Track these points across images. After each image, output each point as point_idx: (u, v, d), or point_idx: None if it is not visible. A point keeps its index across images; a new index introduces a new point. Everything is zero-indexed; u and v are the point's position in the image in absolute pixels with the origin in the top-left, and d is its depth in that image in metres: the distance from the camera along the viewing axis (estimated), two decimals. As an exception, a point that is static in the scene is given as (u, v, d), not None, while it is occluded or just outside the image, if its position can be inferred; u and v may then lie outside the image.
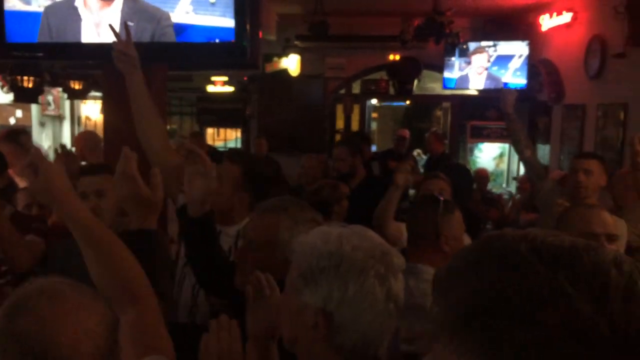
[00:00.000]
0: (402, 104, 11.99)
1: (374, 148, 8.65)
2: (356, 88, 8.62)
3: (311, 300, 1.11)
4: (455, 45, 5.61)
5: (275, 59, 8.13)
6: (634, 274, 0.53)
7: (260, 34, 2.77)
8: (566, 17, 6.15)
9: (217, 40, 2.26)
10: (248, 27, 2.29)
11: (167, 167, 1.94)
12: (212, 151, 6.41)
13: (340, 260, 1.11)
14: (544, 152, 7.14)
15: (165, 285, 1.88)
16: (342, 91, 8.58)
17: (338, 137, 8.31)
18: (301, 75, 7.98)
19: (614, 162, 5.39)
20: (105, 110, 2.91)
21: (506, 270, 0.54)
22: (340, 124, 8.71)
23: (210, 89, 8.74)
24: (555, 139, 6.69)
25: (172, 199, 2.22)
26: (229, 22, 2.25)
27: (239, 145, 9.26)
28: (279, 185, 3.57)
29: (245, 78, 8.51)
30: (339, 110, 8.61)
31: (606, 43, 5.42)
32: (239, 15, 2.28)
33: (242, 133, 9.00)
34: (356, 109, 8.51)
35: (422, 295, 1.84)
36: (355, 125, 8.63)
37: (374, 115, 13.88)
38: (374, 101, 9.59)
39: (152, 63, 2.47)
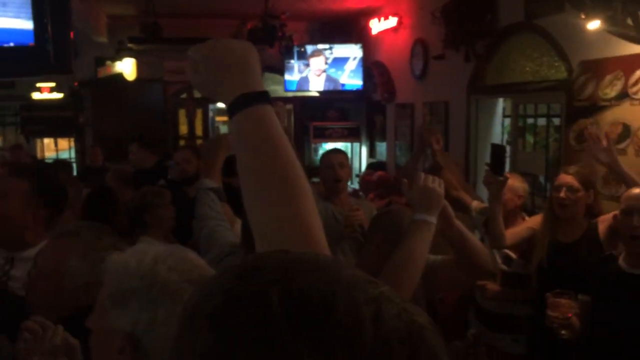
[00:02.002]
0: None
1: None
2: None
3: (119, 324, 1.04)
4: (289, 48, 5.70)
5: (109, 62, 7.67)
6: (392, 340, 0.46)
7: (72, 35, 2.55)
8: (392, 21, 6.54)
9: (11, 44, 2.03)
10: (50, 28, 2.08)
11: None
12: (38, 164, 5.87)
13: (153, 282, 1.04)
14: (381, 148, 7.55)
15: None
16: (184, 95, 8.33)
17: (182, 142, 8.07)
18: (138, 79, 7.61)
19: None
20: None
21: (250, 335, 0.45)
22: (183, 129, 8.45)
23: (35, 96, 7.99)
24: (390, 136, 7.10)
25: None
26: (26, 24, 2.03)
27: (72, 155, 8.58)
28: (107, 197, 3.33)
29: (76, 83, 7.91)
30: (182, 115, 8.36)
31: (427, 46, 5.85)
32: (38, 16, 2.06)
33: (76, 142, 8.36)
34: (200, 114, 8.31)
35: None
36: (199, 130, 8.43)
37: (226, 119, 13.73)
38: (223, 105, 9.45)
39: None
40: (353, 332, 0.45)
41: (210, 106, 8.59)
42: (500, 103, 5.11)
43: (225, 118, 12.82)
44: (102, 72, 7.65)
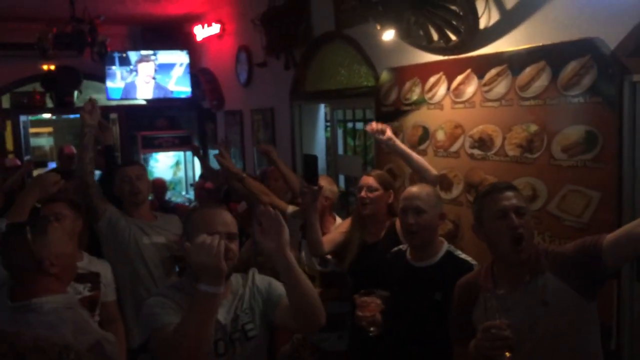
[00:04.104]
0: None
1: (52, 165, 7.81)
2: (6, 102, 7.62)
3: None
4: (102, 55, 5.37)
5: None
6: None
7: None
8: (216, 28, 6.48)
9: None
10: None
11: None
12: None
13: None
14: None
15: None
16: (-10, 106, 7.50)
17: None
18: None
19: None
20: None
21: None
22: (-8, 143, 7.59)
23: None
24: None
25: None
26: None
27: None
28: None
29: None
30: (-11, 128, 7.49)
31: (251, 53, 5.88)
32: None
33: None
34: (9, 126, 7.52)
35: (50, 328, 1.68)
36: (10, 144, 7.63)
37: (48, 130, 12.55)
38: (47, 115, 8.65)
39: None
40: None
41: (22, 117, 7.80)
42: (322, 108, 5.28)
43: (40, 129, 11.72)
44: None
